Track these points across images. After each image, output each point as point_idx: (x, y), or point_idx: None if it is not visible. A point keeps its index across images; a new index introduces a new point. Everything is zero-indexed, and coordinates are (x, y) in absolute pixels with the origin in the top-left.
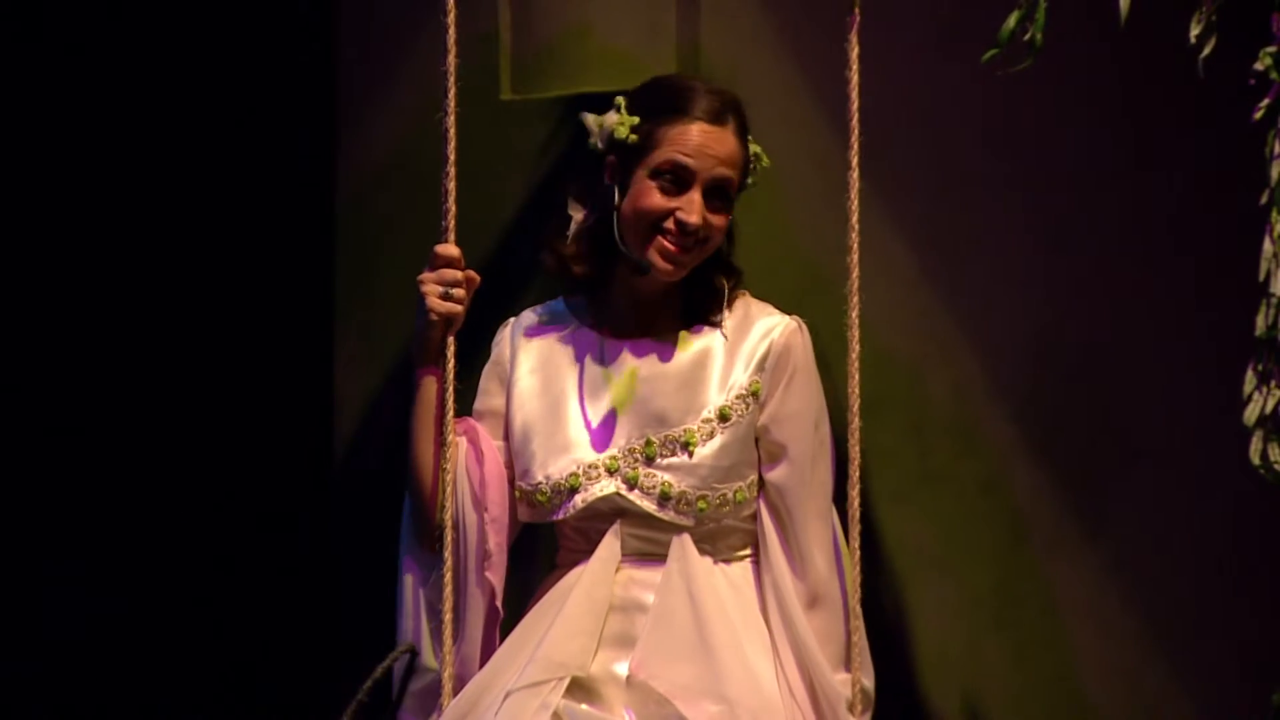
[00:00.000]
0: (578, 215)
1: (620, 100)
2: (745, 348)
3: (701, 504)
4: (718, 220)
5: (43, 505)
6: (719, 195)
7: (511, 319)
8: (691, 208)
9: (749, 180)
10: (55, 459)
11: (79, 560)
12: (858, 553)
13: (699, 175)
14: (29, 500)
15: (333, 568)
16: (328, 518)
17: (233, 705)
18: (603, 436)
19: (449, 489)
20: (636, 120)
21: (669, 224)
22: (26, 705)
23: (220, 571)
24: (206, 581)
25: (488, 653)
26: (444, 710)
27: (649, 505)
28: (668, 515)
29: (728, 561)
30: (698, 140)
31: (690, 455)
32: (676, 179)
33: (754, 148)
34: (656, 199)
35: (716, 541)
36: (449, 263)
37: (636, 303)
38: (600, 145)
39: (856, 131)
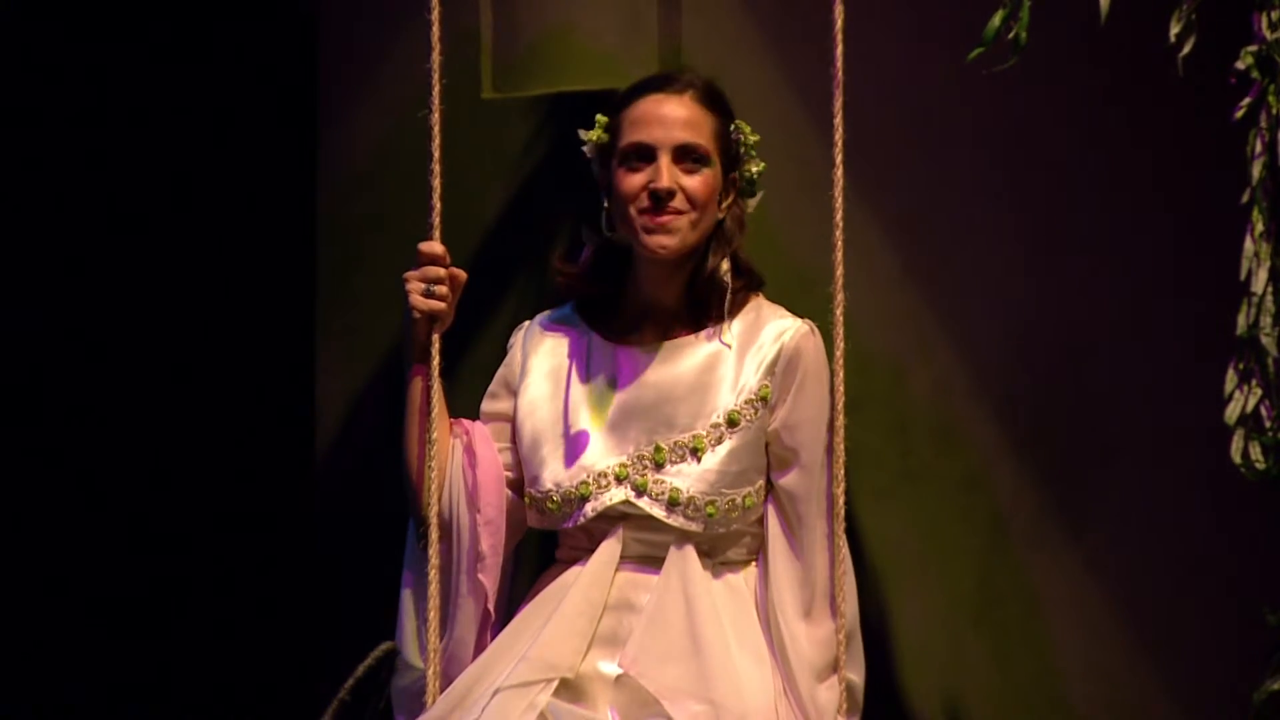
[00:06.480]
0: (591, 242)
1: (600, 115)
2: (755, 351)
3: (710, 509)
4: (694, 183)
5: (28, 507)
6: (690, 158)
7: (526, 322)
8: (659, 174)
9: (749, 163)
10: (39, 461)
11: (64, 561)
12: (845, 549)
13: (659, 145)
14: (14, 502)
15: (316, 567)
16: (311, 517)
17: (218, 704)
18: (612, 444)
19: (434, 486)
20: (607, 120)
21: (644, 199)
22: (10, 705)
23: (204, 572)
24: (191, 582)
25: (479, 654)
26: (433, 703)
27: (658, 511)
28: (676, 521)
29: (728, 567)
30: (651, 112)
31: (699, 460)
32: (641, 156)
33: (740, 125)
34: (629, 181)
35: (720, 547)
36: (432, 260)
37: (645, 309)
38: (591, 157)
39: (841, 129)
